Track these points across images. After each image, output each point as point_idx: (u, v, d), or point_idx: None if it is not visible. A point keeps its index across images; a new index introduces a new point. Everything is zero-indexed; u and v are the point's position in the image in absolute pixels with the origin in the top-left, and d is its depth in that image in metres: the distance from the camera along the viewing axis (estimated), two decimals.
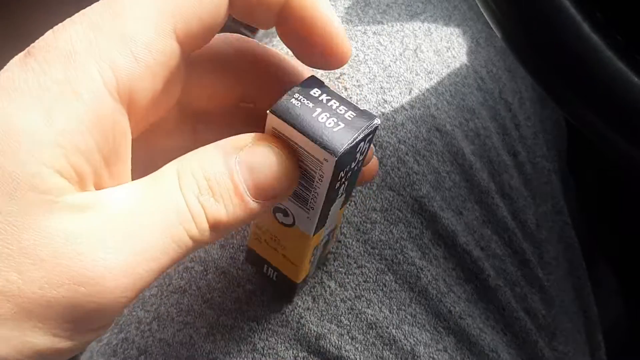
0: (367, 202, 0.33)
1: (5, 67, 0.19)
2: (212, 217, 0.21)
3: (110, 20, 0.20)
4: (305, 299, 0.32)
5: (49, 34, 0.20)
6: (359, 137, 0.23)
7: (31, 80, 0.19)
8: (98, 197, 0.20)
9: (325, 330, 0.31)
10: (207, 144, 0.23)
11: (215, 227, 0.21)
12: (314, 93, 0.23)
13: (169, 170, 0.21)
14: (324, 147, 0.22)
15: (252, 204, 0.22)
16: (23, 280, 0.18)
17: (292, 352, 0.31)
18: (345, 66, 0.36)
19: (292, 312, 0.31)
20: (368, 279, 0.33)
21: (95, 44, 0.19)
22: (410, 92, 0.36)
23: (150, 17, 0.20)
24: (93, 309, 0.19)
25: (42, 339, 0.19)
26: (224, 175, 0.21)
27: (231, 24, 0.25)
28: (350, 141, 0.22)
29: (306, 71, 0.26)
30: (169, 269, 0.22)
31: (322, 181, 0.23)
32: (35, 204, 0.18)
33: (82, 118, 0.19)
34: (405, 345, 0.32)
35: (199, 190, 0.21)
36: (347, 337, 0.32)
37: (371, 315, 0.32)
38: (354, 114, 0.23)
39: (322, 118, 0.23)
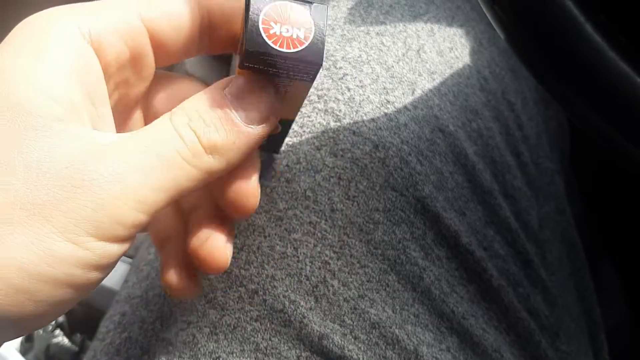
0: (370, 202, 0.33)
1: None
2: (205, 139, 0.23)
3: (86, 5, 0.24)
4: (308, 299, 0.32)
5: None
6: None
7: (25, 30, 0.23)
8: (98, 132, 0.23)
9: (328, 330, 0.31)
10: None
11: (214, 150, 0.23)
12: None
13: (165, 114, 0.24)
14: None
15: (245, 128, 0.24)
16: (31, 190, 0.20)
17: (295, 352, 0.31)
18: (348, 67, 0.36)
19: (295, 312, 0.31)
20: (371, 279, 0.33)
21: (72, 11, 0.24)
22: (413, 92, 0.36)
23: (118, 4, 0.25)
24: (101, 211, 0.21)
25: (60, 245, 0.20)
26: (213, 105, 0.24)
27: None
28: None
29: None
30: (179, 199, 0.24)
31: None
32: (35, 127, 0.21)
33: (66, 54, 0.23)
34: (408, 345, 0.32)
35: (189, 119, 0.23)
36: (350, 337, 0.32)
37: (374, 315, 0.32)
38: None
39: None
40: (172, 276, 0.29)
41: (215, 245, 0.28)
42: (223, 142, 0.23)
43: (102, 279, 0.23)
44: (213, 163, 0.23)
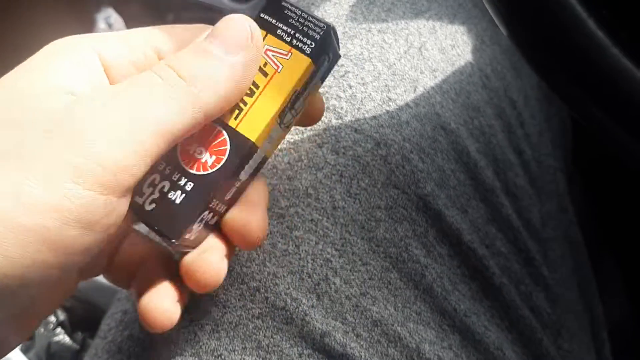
0: (372, 200, 0.33)
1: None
2: (183, 70, 0.23)
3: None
4: (310, 297, 0.32)
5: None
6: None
7: (51, 45, 0.24)
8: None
9: (330, 328, 0.31)
10: None
11: (195, 81, 0.23)
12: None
13: None
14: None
15: (225, 56, 0.24)
16: (8, 139, 0.21)
17: (297, 350, 0.31)
18: (350, 64, 0.36)
19: (297, 310, 0.31)
20: (373, 277, 0.33)
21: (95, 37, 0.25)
22: (415, 90, 0.36)
23: (134, 33, 0.26)
24: (64, 149, 0.20)
25: (32, 190, 0.20)
26: (191, 46, 0.24)
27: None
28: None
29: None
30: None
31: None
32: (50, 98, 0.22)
33: (80, 61, 0.24)
34: (410, 342, 0.32)
35: (168, 61, 0.24)
36: (352, 335, 0.32)
37: (376, 312, 0.32)
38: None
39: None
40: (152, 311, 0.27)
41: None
42: (203, 72, 0.23)
43: (90, 246, 0.21)
44: (198, 94, 0.23)
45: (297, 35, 0.27)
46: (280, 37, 0.27)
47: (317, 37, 0.27)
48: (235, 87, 0.24)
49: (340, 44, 0.37)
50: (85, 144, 0.20)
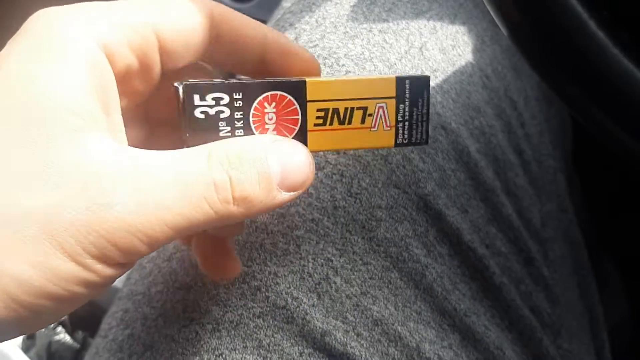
0: (373, 199, 0.33)
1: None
2: (238, 191, 0.23)
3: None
4: (311, 296, 0.32)
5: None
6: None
7: (38, 30, 0.22)
8: (122, 146, 0.22)
9: (331, 327, 0.31)
10: None
11: (242, 202, 0.23)
12: None
13: (204, 147, 0.23)
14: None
15: (277, 193, 0.24)
16: (46, 206, 0.20)
17: (298, 349, 0.31)
18: (351, 64, 0.36)
19: (298, 309, 0.31)
20: (374, 276, 0.33)
21: (87, 15, 0.23)
22: None
23: (134, 13, 0.24)
24: (109, 238, 0.21)
25: (66, 265, 0.20)
26: (257, 160, 0.23)
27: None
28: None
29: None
30: (187, 233, 0.23)
31: None
32: (56, 140, 0.21)
33: (83, 63, 0.22)
34: (410, 342, 0.32)
35: (229, 164, 0.23)
36: (353, 334, 0.32)
37: (377, 312, 0.32)
38: None
39: None
40: (209, 265, 0.29)
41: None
42: (253, 197, 0.23)
43: (98, 295, 0.23)
44: (233, 211, 0.23)
45: (405, 123, 0.27)
46: (397, 112, 0.27)
47: (413, 140, 0.28)
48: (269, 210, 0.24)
49: (341, 44, 0.37)
50: (112, 233, 0.21)
